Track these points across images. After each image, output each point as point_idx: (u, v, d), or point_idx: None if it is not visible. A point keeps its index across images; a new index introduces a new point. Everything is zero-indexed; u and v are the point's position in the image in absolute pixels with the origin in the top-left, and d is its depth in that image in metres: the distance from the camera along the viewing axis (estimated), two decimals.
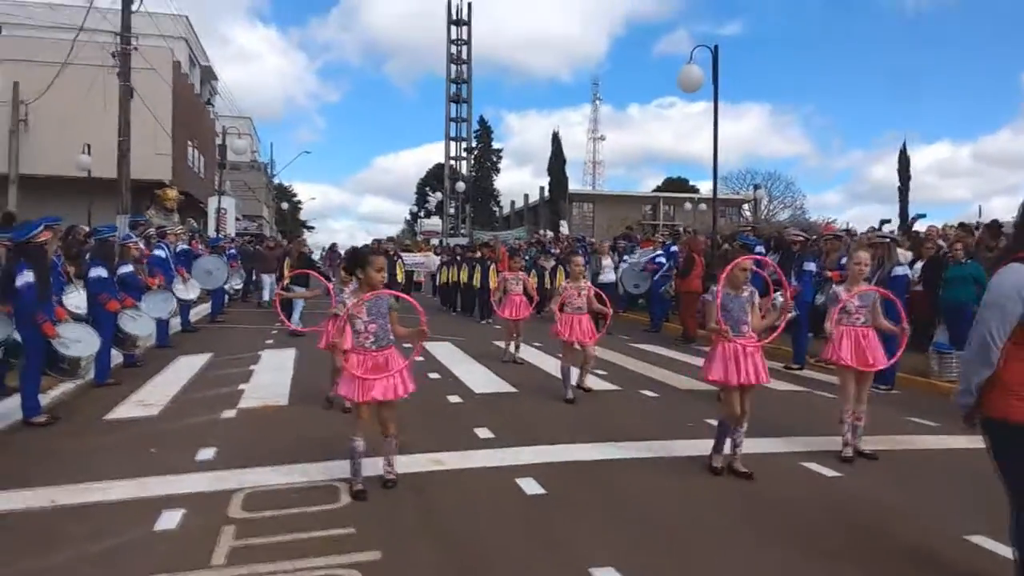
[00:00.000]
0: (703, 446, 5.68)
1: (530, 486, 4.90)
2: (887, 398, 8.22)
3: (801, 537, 4.18)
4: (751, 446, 5.52)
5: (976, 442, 3.57)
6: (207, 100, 38.11)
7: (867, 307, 5.77)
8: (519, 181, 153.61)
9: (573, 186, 63.37)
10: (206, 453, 5.68)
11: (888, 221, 15.99)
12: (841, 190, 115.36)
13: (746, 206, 63.34)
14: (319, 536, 4.05)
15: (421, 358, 10.60)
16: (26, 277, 6.38)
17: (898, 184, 45.36)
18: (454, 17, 66.65)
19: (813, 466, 5.47)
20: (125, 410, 7.30)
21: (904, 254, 11.11)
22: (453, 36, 66.72)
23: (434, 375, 9.19)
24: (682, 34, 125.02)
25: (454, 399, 7.74)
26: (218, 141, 34.75)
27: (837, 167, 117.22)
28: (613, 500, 4.77)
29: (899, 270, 8.77)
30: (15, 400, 6.75)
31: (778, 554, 3.93)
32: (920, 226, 15.30)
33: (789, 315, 9.90)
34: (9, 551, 3.90)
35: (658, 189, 68.79)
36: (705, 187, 70.82)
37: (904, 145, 46.46)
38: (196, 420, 6.85)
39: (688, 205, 50.23)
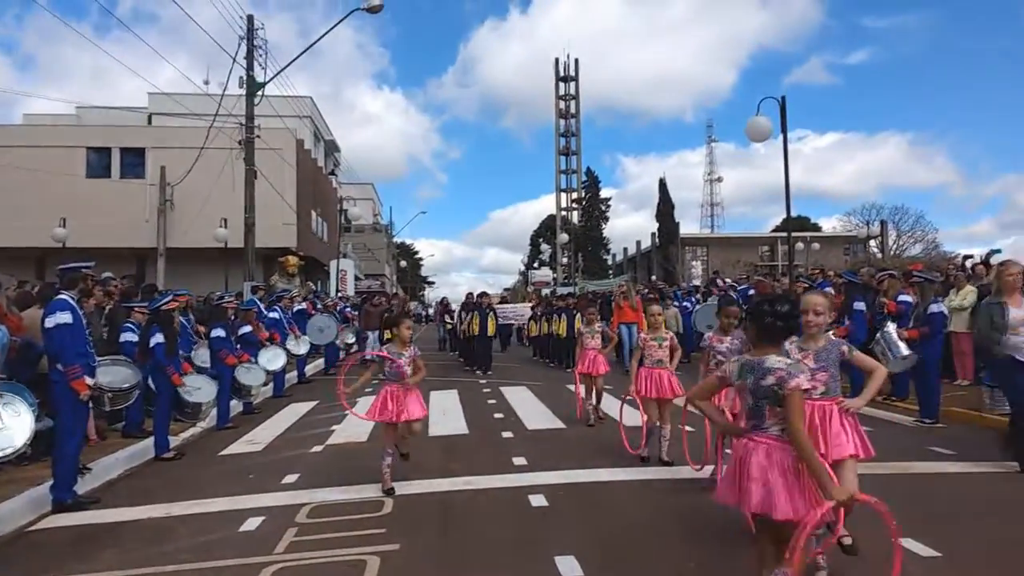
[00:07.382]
0: (708, 470, 6.44)
1: (537, 500, 5.88)
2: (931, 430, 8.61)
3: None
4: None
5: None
6: (331, 171, 41.46)
7: (826, 370, 4.19)
8: (636, 225, 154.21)
9: (691, 228, 63.65)
10: (291, 478, 7.01)
11: (998, 251, 15.79)
12: (991, 220, 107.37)
13: (873, 243, 61.31)
14: (356, 534, 5.19)
15: (493, 400, 11.83)
16: (157, 338, 8.01)
17: None
18: (561, 74, 69.40)
19: None
20: (236, 447, 8.80)
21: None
22: (560, 92, 69.39)
23: (499, 415, 10.30)
24: (814, 64, 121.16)
25: (507, 434, 8.78)
26: (340, 207, 37.77)
27: (986, 194, 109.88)
28: (598, 510, 5.67)
29: (934, 308, 9.11)
30: (150, 440, 8.35)
31: (705, 554, 4.73)
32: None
33: None
34: (136, 542, 5.30)
35: (777, 229, 67.65)
36: (827, 225, 69.04)
37: None
38: (290, 454, 8.24)
39: (800, 245, 49.39)
